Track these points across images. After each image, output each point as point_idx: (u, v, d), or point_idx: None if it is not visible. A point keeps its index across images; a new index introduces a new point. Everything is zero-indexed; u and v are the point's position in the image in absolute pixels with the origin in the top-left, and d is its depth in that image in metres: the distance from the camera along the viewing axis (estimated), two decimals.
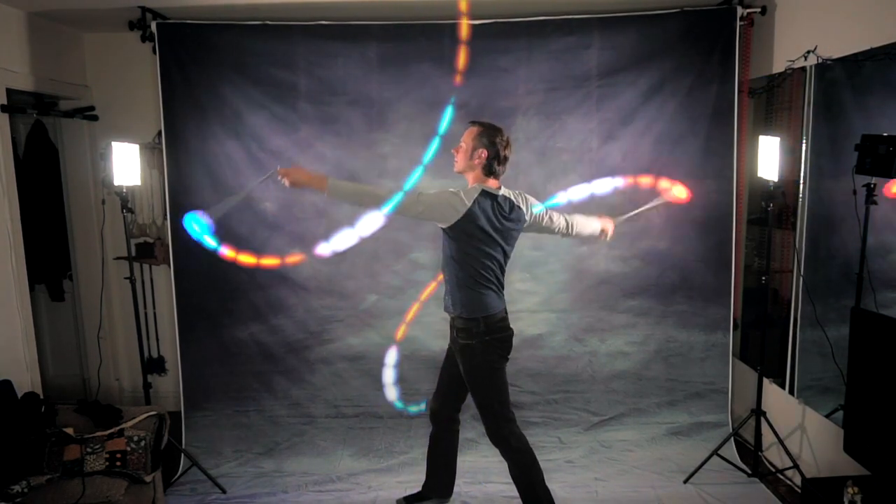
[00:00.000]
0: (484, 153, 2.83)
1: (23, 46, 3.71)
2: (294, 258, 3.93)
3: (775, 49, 3.71)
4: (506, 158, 2.89)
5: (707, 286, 3.97)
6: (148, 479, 3.05)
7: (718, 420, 3.97)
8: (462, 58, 3.51)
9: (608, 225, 3.28)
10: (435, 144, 3.76)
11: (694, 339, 4.02)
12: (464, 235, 2.81)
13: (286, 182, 2.75)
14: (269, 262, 3.88)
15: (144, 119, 4.23)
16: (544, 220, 3.07)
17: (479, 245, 2.82)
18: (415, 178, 3.84)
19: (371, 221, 3.57)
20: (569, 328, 4.04)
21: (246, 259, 3.75)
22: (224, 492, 3.58)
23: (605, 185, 3.87)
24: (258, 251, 3.95)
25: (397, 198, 2.76)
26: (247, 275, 3.96)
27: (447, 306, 2.98)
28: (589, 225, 3.25)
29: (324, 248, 3.83)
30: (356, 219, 3.62)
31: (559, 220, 3.13)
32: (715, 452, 3.65)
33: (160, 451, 3.16)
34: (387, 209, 2.77)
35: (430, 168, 3.90)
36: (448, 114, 3.73)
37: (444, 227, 2.83)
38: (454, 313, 2.94)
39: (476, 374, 2.93)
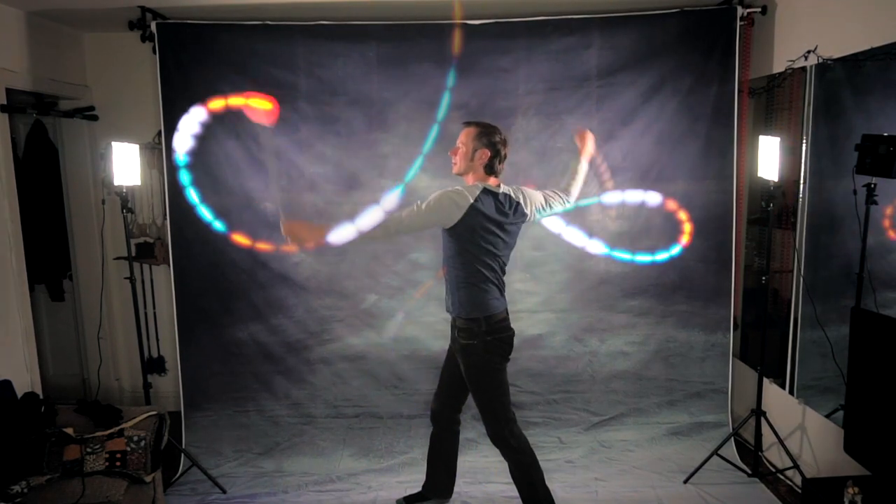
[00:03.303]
0: (486, 153, 2.83)
1: (23, 46, 3.71)
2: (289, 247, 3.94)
3: (775, 49, 3.71)
4: (505, 156, 2.91)
5: (707, 286, 3.97)
6: (148, 479, 3.04)
7: (718, 420, 3.98)
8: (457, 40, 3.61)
9: (588, 143, 3.21)
10: (434, 132, 3.81)
11: (694, 339, 4.02)
12: (466, 233, 2.79)
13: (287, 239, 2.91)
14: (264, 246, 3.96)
15: (144, 119, 4.23)
16: (548, 211, 3.10)
17: (480, 243, 2.81)
18: (415, 168, 3.87)
19: (372, 216, 3.57)
20: (569, 328, 4.04)
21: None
22: (224, 492, 3.58)
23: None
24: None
25: (388, 218, 2.86)
26: (247, 275, 3.97)
27: (448, 306, 2.97)
28: (581, 177, 3.21)
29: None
30: (356, 215, 3.60)
31: (557, 202, 3.12)
32: (715, 452, 3.65)
33: (160, 451, 3.16)
34: (393, 232, 2.88)
35: (430, 167, 3.90)
36: (445, 101, 3.77)
37: (448, 227, 2.81)
38: (455, 314, 2.93)
39: (477, 375, 2.93)
